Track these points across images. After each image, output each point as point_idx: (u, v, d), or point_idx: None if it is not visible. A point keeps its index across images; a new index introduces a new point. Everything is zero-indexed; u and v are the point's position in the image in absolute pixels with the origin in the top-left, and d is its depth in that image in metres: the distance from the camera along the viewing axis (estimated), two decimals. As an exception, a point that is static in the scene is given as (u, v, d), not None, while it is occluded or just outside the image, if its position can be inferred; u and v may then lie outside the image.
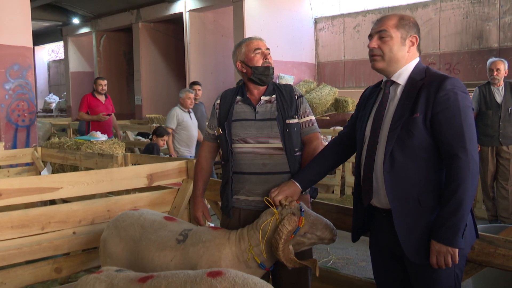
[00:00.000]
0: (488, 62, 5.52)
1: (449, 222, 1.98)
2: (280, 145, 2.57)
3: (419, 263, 2.09)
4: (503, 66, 5.35)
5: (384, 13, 11.85)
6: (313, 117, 2.74)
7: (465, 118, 2.01)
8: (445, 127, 2.02)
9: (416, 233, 2.08)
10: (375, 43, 2.17)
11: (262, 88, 2.69)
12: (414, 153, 2.08)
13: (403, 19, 2.17)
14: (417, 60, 2.21)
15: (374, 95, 2.32)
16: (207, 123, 2.89)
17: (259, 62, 2.62)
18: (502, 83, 5.43)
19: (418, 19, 11.29)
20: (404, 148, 2.08)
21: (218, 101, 2.75)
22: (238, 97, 2.69)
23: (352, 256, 4.80)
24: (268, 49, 2.68)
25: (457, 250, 1.99)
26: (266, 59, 2.64)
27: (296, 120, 2.65)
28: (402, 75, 2.18)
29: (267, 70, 2.63)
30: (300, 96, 2.73)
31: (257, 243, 2.35)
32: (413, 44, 2.18)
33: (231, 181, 2.59)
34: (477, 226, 2.23)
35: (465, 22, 10.88)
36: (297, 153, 2.62)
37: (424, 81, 2.10)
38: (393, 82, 2.21)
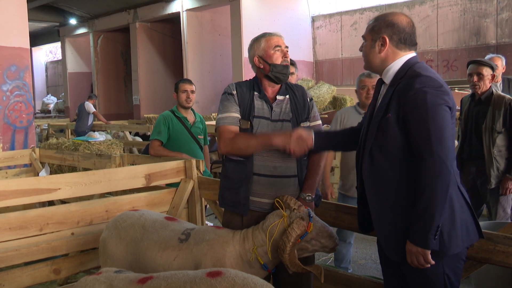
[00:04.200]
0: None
1: (418, 223, 1.97)
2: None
3: (398, 260, 2.10)
4: (500, 62, 5.33)
5: (381, 11, 11.88)
6: (320, 122, 2.71)
7: (432, 117, 1.96)
8: (413, 128, 2.00)
9: (395, 232, 2.08)
10: (361, 47, 2.27)
11: (277, 86, 2.63)
12: (390, 153, 2.07)
13: (376, 21, 2.19)
14: (405, 58, 2.16)
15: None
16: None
17: (278, 59, 2.56)
18: (500, 79, 5.42)
19: (415, 16, 11.39)
20: (381, 148, 2.08)
21: (235, 92, 2.59)
22: (256, 93, 2.60)
23: (352, 254, 4.79)
24: (287, 47, 2.61)
25: (427, 251, 1.96)
26: (286, 57, 2.57)
27: (308, 124, 2.61)
28: (388, 74, 2.17)
29: (285, 68, 2.56)
30: (311, 99, 2.70)
31: (261, 244, 2.34)
32: (384, 45, 2.15)
33: (252, 179, 2.50)
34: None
35: (462, 19, 10.88)
36: (305, 158, 2.59)
37: (401, 80, 2.08)
38: (383, 81, 2.22)
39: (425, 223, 1.94)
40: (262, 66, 2.59)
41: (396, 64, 2.15)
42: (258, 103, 2.57)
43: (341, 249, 3.98)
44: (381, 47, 2.15)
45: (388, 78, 2.17)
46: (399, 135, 2.03)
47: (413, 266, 2.01)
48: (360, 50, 2.28)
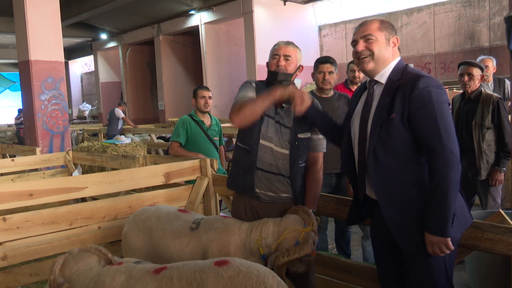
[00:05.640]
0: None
1: (437, 215, 1.93)
2: (287, 152, 2.52)
3: (411, 251, 2.06)
4: (491, 63, 5.22)
5: (383, 19, 11.69)
6: (323, 137, 2.65)
7: (440, 114, 1.94)
8: (422, 125, 1.96)
9: (405, 224, 2.03)
10: (362, 45, 2.11)
11: None
12: (395, 150, 2.02)
13: (384, 22, 2.12)
14: (397, 60, 2.14)
15: (359, 94, 2.27)
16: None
17: (272, 67, 2.56)
18: (491, 79, 5.31)
19: (414, 23, 11.25)
20: (385, 146, 2.03)
21: (254, 85, 2.60)
22: None
23: (355, 242, 4.75)
24: (287, 55, 2.55)
25: (449, 239, 1.93)
26: (278, 65, 2.54)
27: (308, 135, 2.57)
28: (384, 75, 2.11)
29: (274, 75, 2.54)
30: None
31: (266, 236, 2.33)
32: (395, 45, 2.12)
33: (255, 170, 2.51)
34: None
35: (457, 24, 10.70)
36: (301, 164, 2.57)
37: (400, 82, 2.03)
38: (377, 82, 2.14)
39: (443, 214, 1.91)
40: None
41: (391, 65, 2.11)
42: None
43: (366, 246, 3.86)
44: (393, 47, 2.10)
45: (384, 79, 2.11)
46: (405, 133, 1.99)
47: (434, 255, 1.97)
48: (362, 48, 2.10)
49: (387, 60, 2.10)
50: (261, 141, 2.51)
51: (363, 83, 2.33)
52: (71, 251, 2.29)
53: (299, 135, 2.53)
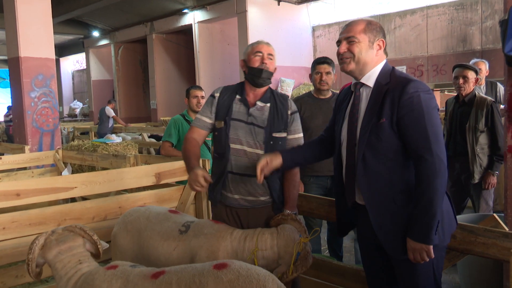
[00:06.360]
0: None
1: (421, 221, 1.90)
2: (262, 152, 2.47)
3: (399, 258, 2.03)
4: (484, 66, 5.24)
5: (376, 20, 11.70)
6: (301, 135, 2.61)
7: (429, 119, 1.91)
8: (410, 130, 1.93)
9: (393, 231, 2.00)
10: (344, 47, 2.07)
11: (259, 92, 2.55)
12: (384, 156, 1.99)
13: (370, 24, 2.07)
14: (383, 62, 2.10)
15: (347, 98, 2.21)
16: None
17: (256, 63, 2.50)
18: (483, 82, 5.33)
19: (407, 25, 11.29)
20: (375, 151, 1.99)
21: (218, 94, 2.57)
22: (238, 96, 2.55)
23: (347, 244, 4.74)
24: (270, 54, 2.53)
25: (431, 247, 1.91)
26: (263, 62, 2.50)
27: (284, 134, 2.52)
28: (371, 77, 2.08)
29: (259, 72, 2.48)
30: (294, 113, 2.58)
31: (263, 248, 2.28)
32: (380, 48, 2.08)
33: (226, 177, 2.50)
34: (463, 215, 2.16)
35: (450, 27, 10.75)
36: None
37: (389, 86, 2.00)
38: (363, 84, 2.11)
39: (428, 220, 1.88)
40: (244, 69, 2.57)
41: (377, 68, 2.08)
42: (236, 106, 2.52)
43: (358, 249, 3.83)
44: (378, 50, 2.06)
45: (371, 81, 2.07)
46: (394, 138, 1.96)
47: (415, 262, 1.95)
48: (344, 50, 2.08)
49: (370, 62, 2.06)
50: (232, 145, 2.47)
51: (347, 87, 2.27)
52: (54, 230, 2.18)
53: (274, 134, 2.49)
